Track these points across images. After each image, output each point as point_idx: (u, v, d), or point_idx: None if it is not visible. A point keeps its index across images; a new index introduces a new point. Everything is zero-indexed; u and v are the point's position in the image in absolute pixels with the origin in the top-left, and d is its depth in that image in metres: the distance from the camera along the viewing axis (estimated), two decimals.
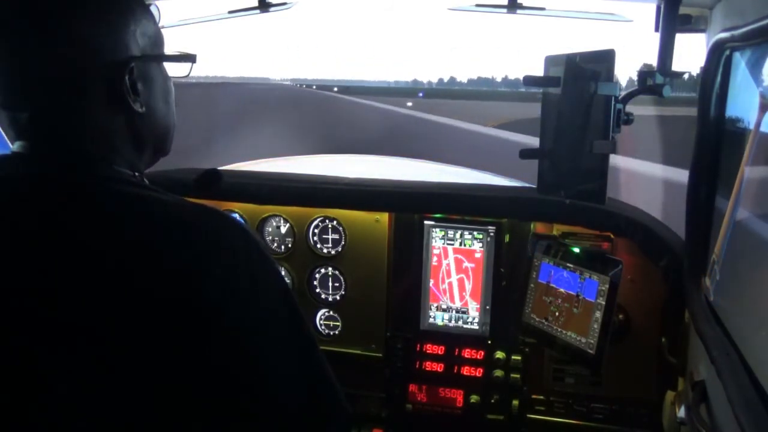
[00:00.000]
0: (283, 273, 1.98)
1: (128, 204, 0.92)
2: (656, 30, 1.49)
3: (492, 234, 1.99)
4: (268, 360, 0.96)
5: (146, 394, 0.87)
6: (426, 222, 2.03)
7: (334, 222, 2.11)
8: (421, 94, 76.23)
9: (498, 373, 2.01)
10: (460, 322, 2.06)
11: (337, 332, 2.17)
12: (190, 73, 1.13)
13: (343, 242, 2.11)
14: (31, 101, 0.94)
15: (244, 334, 0.93)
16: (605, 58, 1.43)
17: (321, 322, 2.19)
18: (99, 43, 0.93)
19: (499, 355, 2.02)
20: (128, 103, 0.97)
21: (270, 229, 2.18)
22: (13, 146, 0.97)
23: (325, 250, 2.14)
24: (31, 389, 0.81)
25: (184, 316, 0.87)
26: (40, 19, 0.91)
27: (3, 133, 2.34)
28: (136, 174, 1.02)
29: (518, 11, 1.65)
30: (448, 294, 2.05)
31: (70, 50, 0.92)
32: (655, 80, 1.47)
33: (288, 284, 1.05)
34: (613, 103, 1.42)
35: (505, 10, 1.66)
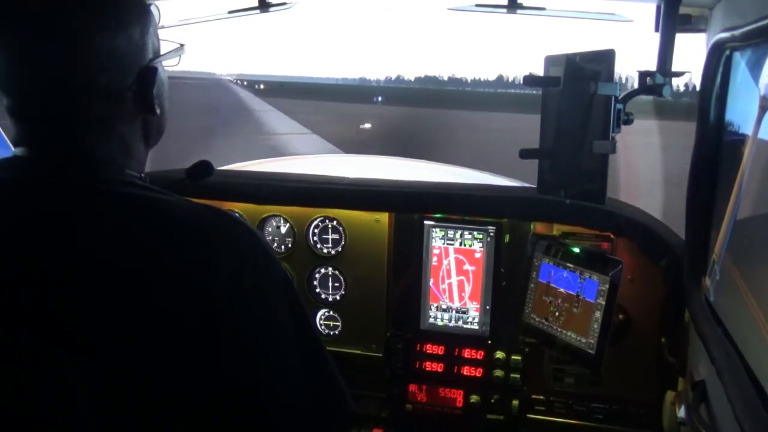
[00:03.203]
0: None
1: (136, 206, 0.93)
2: (656, 30, 1.50)
3: (492, 234, 1.99)
4: (273, 359, 0.96)
5: (152, 394, 0.87)
6: (426, 222, 2.03)
7: (334, 222, 2.11)
8: (379, 99, 51.06)
9: (498, 373, 2.01)
10: (460, 322, 2.06)
11: (337, 332, 2.18)
12: (179, 62, 1.13)
13: (343, 242, 2.11)
14: (49, 108, 0.94)
15: (250, 333, 0.93)
16: (605, 58, 1.43)
17: (321, 322, 2.19)
18: (127, 50, 0.94)
19: (499, 355, 2.02)
20: (153, 107, 0.99)
21: (270, 229, 2.18)
22: (15, 150, 0.96)
23: (325, 250, 2.14)
24: (34, 391, 0.81)
25: (191, 316, 0.87)
26: (67, 28, 0.90)
27: (3, 135, 2.35)
28: (142, 176, 1.02)
29: (518, 11, 1.65)
30: (448, 294, 2.05)
31: (97, 59, 0.92)
32: (655, 80, 1.47)
33: (293, 284, 1.06)
34: (613, 103, 1.42)
35: (505, 10, 1.67)
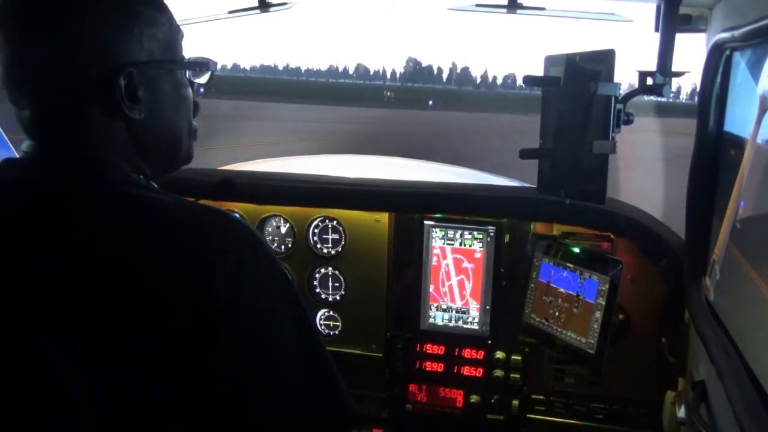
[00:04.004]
0: None
1: (133, 205, 0.92)
2: (656, 30, 1.49)
3: (492, 234, 1.99)
4: (273, 359, 0.96)
5: (152, 393, 0.87)
6: (426, 222, 2.03)
7: (334, 222, 2.11)
8: (201, 90, 32.05)
9: (498, 373, 2.02)
10: (460, 322, 2.06)
11: (337, 332, 2.18)
12: (210, 80, 1.09)
13: (343, 242, 2.11)
14: (31, 100, 0.94)
15: (250, 333, 0.93)
16: (605, 58, 1.42)
17: (321, 322, 2.19)
18: (97, 47, 0.92)
19: (499, 355, 2.02)
20: (123, 110, 0.95)
21: (270, 229, 2.18)
22: (22, 146, 0.97)
23: (325, 250, 2.14)
24: (33, 390, 0.81)
25: (192, 317, 0.87)
26: (42, 19, 0.90)
27: (3, 135, 2.35)
28: (141, 177, 1.01)
29: (518, 11, 1.65)
30: (448, 294, 2.05)
31: (68, 52, 0.91)
32: (655, 80, 1.47)
33: (293, 284, 1.05)
34: (613, 103, 1.42)
35: (505, 10, 1.66)
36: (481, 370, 2.05)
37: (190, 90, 1.08)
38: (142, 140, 1.00)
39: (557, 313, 1.76)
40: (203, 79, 1.10)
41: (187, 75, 1.06)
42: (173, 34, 1.02)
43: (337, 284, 2.15)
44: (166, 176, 1.09)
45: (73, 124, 0.95)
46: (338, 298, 2.16)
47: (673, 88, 1.50)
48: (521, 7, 1.64)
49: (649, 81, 1.47)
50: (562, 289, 1.76)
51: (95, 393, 0.83)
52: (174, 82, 1.03)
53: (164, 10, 1.01)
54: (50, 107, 0.94)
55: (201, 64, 1.08)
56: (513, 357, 2.01)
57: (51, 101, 0.94)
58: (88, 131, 0.95)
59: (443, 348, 2.07)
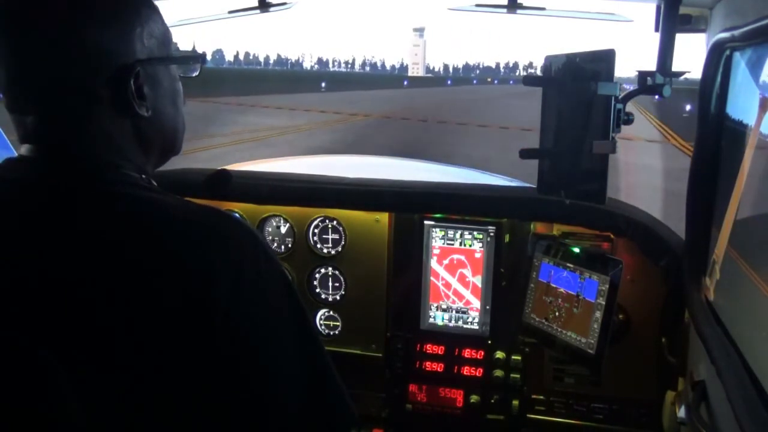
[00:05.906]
0: None
1: (137, 206, 0.92)
2: (656, 30, 1.49)
3: (492, 234, 1.99)
4: (272, 360, 0.96)
5: (150, 392, 0.87)
6: (426, 222, 2.03)
7: (334, 222, 2.11)
8: None
9: (498, 373, 2.02)
10: (460, 322, 2.06)
11: (337, 332, 2.18)
12: (199, 72, 1.11)
13: (343, 242, 2.11)
14: (36, 105, 0.94)
15: (250, 334, 0.93)
16: (605, 58, 1.42)
17: (321, 322, 2.19)
18: (104, 47, 0.92)
19: (499, 355, 2.02)
20: (134, 108, 0.96)
21: (270, 229, 2.18)
22: (20, 149, 0.96)
23: (325, 250, 2.14)
24: (32, 385, 0.81)
25: (191, 317, 0.87)
26: (47, 22, 0.90)
27: (4, 135, 2.35)
28: (143, 177, 1.02)
29: (518, 11, 1.65)
30: (448, 294, 2.05)
31: (75, 54, 0.91)
32: (655, 80, 1.47)
33: (294, 285, 1.05)
34: (613, 103, 1.42)
35: (505, 10, 1.66)
36: (481, 370, 2.05)
37: (180, 84, 1.09)
38: (145, 137, 1.01)
39: (557, 313, 1.76)
40: (195, 73, 1.11)
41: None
42: (165, 30, 1.04)
43: (337, 284, 2.15)
44: (156, 170, 1.10)
45: (81, 126, 0.95)
46: (338, 298, 2.16)
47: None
48: (521, 7, 1.64)
49: (650, 81, 1.47)
50: (562, 289, 1.76)
51: (90, 395, 0.82)
52: (170, 78, 1.05)
53: (156, 8, 1.02)
54: (59, 110, 0.94)
55: (195, 58, 1.09)
56: (513, 357, 2.01)
57: (61, 104, 0.94)
58: (94, 132, 0.95)
59: (443, 348, 2.07)
